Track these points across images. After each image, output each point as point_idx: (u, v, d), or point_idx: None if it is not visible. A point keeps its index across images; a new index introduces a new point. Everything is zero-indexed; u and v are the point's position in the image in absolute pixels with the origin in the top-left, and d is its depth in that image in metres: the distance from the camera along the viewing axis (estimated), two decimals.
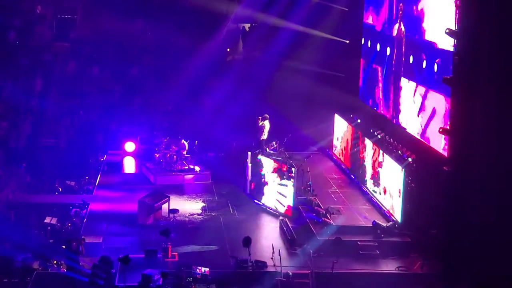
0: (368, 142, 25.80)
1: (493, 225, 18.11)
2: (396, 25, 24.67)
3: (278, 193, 24.75)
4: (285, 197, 24.37)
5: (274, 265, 20.01)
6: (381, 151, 24.25)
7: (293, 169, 24.22)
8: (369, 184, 25.28)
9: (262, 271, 19.94)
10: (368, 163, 25.56)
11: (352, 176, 27.55)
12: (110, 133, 31.87)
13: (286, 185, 24.27)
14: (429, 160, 21.48)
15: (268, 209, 25.19)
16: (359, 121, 28.04)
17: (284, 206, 24.43)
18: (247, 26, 35.95)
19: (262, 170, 25.58)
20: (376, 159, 24.66)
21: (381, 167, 24.11)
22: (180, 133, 29.58)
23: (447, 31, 19.42)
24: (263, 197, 25.51)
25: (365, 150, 26.05)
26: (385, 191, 23.59)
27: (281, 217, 24.07)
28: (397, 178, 22.52)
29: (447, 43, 20.00)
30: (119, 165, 30.06)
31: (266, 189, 25.39)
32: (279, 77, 32.37)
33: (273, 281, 19.28)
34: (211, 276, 19.17)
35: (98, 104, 32.73)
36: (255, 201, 25.89)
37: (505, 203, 17.69)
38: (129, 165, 30.43)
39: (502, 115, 17.98)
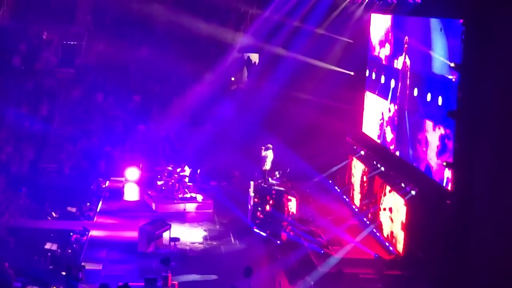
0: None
1: (497, 259, 18.03)
2: (401, 58, 24.74)
3: None
4: None
5: None
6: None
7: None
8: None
9: None
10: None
11: (354, 207, 27.50)
12: (112, 160, 31.86)
13: None
14: (432, 193, 21.41)
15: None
16: (362, 153, 28.02)
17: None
18: (252, 56, 36.12)
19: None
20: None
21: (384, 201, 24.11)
22: (182, 161, 29.57)
23: (453, 65, 19.50)
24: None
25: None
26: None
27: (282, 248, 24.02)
28: (400, 211, 22.45)
29: (451, 77, 20.06)
30: (121, 192, 29.97)
31: None
32: (283, 107, 32.43)
33: None
34: None
35: (101, 131, 32.80)
36: (254, 229, 25.87)
37: (509, 237, 17.63)
38: (131, 192, 30.35)
39: (506, 150, 17.99)
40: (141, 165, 31.64)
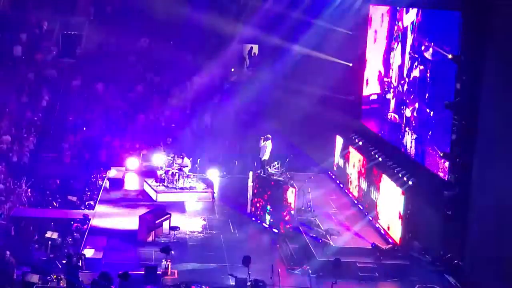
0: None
1: (493, 248, 18.21)
2: (400, 49, 24.83)
3: None
4: None
5: (274, 285, 20.02)
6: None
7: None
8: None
9: None
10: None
11: (353, 199, 27.63)
12: (113, 149, 31.95)
13: None
14: (429, 183, 21.55)
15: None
16: (360, 143, 28.14)
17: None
18: (254, 47, 36.19)
19: None
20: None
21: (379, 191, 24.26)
22: (182, 151, 29.67)
23: (450, 57, 19.62)
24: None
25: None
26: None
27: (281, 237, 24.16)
28: (397, 201, 22.60)
29: (449, 68, 20.17)
30: (121, 182, 30.09)
31: None
32: (282, 98, 32.49)
33: None
34: None
35: (101, 120, 32.90)
36: (253, 218, 26.02)
37: (505, 225, 17.79)
38: (131, 182, 30.47)
39: (503, 140, 18.13)
40: (141, 154, 31.78)
